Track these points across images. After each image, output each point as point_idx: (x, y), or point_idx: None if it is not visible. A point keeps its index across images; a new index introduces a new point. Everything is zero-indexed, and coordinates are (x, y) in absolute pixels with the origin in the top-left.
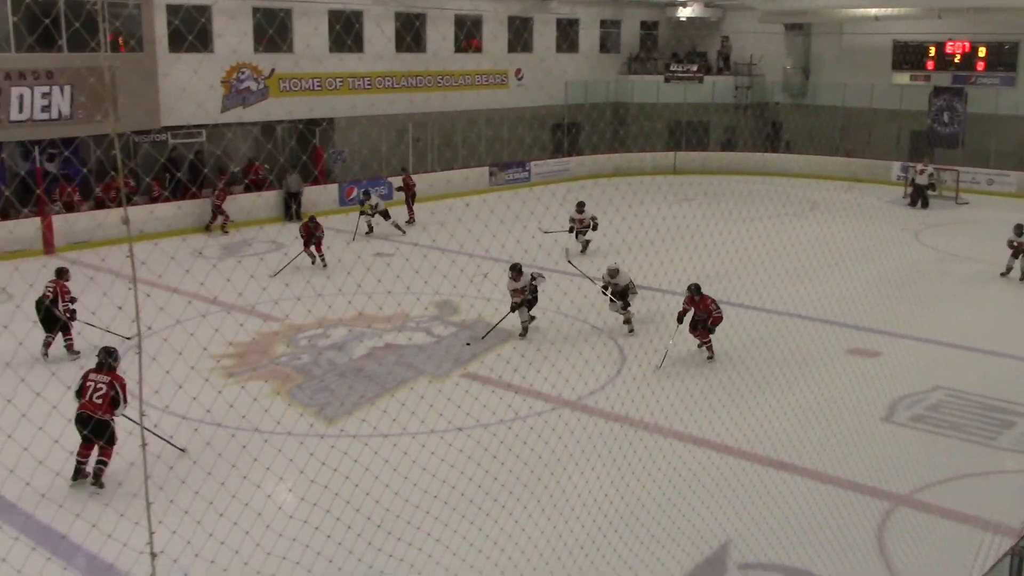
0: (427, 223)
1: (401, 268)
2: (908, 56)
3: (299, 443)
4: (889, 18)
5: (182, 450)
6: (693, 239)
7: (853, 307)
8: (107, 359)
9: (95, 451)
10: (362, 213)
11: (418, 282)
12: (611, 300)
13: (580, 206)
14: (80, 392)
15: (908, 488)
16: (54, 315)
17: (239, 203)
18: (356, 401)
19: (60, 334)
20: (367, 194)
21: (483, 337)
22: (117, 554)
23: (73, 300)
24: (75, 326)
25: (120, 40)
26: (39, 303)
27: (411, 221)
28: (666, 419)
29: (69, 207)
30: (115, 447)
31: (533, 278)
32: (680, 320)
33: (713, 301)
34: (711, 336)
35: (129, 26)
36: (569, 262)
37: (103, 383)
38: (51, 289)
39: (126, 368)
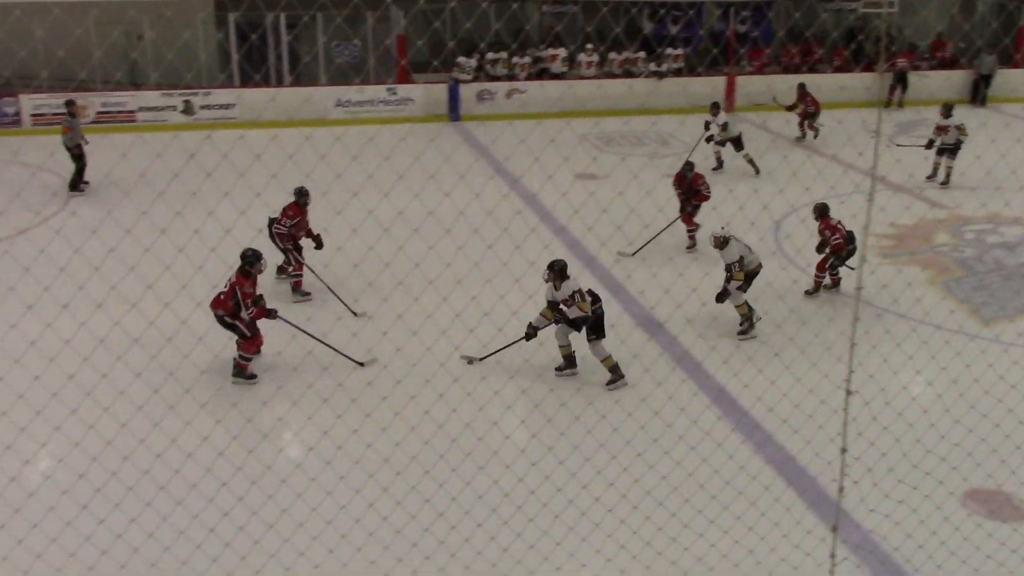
0: None
1: None
2: None
3: (945, 342)
4: None
5: (360, 364)
6: None
7: None
8: (242, 262)
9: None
10: (709, 138)
11: None
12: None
13: (946, 109)
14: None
15: None
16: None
17: (923, 82)
18: (1019, 307)
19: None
20: (715, 107)
21: (481, 359)
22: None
23: (291, 226)
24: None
25: None
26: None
27: (801, 136)
28: None
29: (759, 70)
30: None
31: (573, 296)
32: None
33: (827, 225)
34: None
35: None
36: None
37: (228, 283)
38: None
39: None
